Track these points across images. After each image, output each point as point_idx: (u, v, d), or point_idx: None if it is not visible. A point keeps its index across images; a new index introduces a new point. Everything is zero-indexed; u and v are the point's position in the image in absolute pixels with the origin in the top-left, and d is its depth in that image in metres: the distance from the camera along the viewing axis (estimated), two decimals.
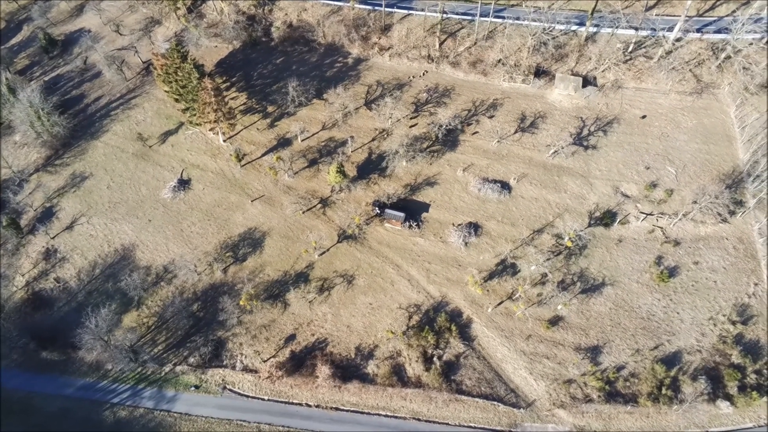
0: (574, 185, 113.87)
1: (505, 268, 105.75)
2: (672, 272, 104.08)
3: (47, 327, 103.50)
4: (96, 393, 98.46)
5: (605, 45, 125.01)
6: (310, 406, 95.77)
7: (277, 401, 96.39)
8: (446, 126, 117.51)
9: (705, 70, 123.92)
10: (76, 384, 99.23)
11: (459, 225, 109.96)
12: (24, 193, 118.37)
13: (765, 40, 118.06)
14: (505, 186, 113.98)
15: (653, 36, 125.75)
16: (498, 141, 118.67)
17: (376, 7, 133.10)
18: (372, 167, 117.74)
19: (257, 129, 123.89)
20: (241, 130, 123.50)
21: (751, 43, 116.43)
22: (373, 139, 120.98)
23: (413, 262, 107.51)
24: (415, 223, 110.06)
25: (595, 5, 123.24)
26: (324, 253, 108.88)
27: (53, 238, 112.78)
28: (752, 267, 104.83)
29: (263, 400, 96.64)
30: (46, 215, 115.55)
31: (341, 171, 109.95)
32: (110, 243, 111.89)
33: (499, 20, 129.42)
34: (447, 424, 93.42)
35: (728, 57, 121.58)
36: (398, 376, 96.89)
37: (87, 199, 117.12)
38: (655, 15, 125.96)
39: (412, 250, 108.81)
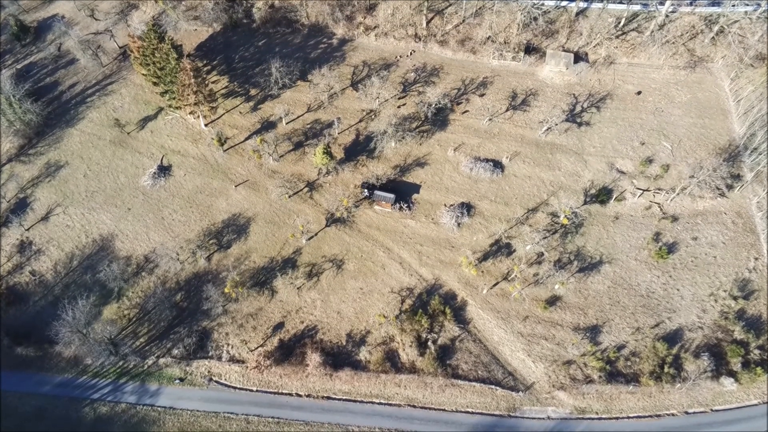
0: (568, 162, 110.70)
1: (500, 249, 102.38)
2: (670, 248, 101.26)
3: (22, 322, 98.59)
4: (75, 390, 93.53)
5: (596, 20, 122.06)
6: (300, 395, 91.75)
7: (266, 392, 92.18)
8: (435, 105, 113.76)
9: (698, 44, 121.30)
10: (53, 381, 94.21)
11: (451, 206, 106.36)
12: None
13: (759, 11, 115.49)
14: (497, 165, 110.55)
15: (645, 10, 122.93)
16: (489, 119, 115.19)
17: None
18: (360, 149, 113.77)
19: (240, 113, 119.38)
20: (223, 114, 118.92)
21: (746, 13, 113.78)
22: (361, 120, 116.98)
23: (404, 245, 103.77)
24: (405, 205, 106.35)
25: None
26: (312, 237, 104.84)
27: (28, 230, 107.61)
28: (752, 241, 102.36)
29: (251, 391, 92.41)
30: (20, 206, 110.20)
31: (328, 152, 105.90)
32: (88, 233, 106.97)
33: None
34: (443, 410, 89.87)
35: (722, 30, 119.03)
36: (391, 362, 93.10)
37: (63, 189, 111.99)
38: None
39: (403, 233, 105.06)
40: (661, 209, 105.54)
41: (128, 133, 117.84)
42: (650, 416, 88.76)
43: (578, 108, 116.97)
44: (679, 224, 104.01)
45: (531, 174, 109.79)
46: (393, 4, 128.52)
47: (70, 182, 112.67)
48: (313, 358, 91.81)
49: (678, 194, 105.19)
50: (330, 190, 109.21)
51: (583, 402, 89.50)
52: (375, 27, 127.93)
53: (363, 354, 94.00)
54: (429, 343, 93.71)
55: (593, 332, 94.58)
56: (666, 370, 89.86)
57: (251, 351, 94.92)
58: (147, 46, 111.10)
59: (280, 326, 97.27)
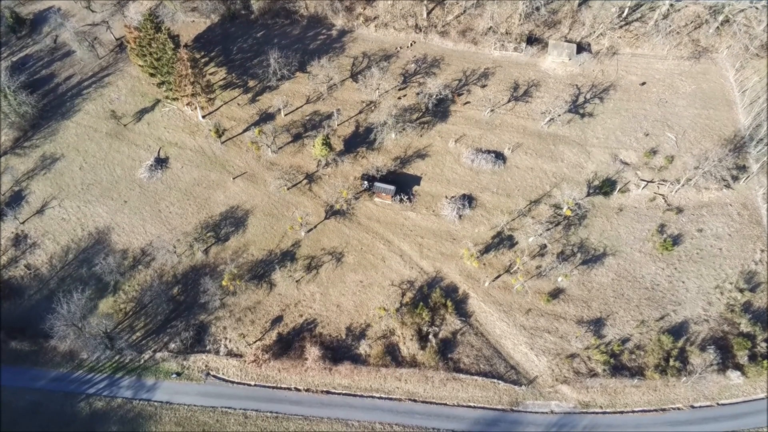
0: (571, 154, 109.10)
1: (502, 241, 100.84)
2: (675, 240, 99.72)
3: (17, 316, 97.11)
4: (70, 384, 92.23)
5: (599, 10, 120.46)
6: (299, 390, 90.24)
7: (265, 386, 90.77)
8: (436, 96, 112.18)
9: (703, 34, 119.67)
10: (48, 376, 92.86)
11: (452, 197, 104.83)
12: None
13: (765, 0, 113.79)
14: (499, 156, 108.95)
15: None
16: (490, 110, 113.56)
17: None
18: (360, 140, 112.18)
19: (238, 104, 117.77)
20: (221, 105, 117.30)
21: (752, 2, 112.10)
22: (360, 112, 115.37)
23: (405, 237, 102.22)
24: (406, 197, 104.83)
25: None
26: (311, 230, 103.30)
27: (23, 223, 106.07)
28: (758, 233, 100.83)
29: (249, 385, 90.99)
30: (15, 199, 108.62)
31: (327, 143, 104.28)
32: (84, 226, 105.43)
33: None
34: (445, 404, 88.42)
35: (726, 19, 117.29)
36: (392, 356, 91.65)
37: (58, 182, 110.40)
38: None
39: (404, 225, 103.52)
40: (665, 201, 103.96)
41: (125, 125, 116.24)
42: (655, 410, 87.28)
43: (581, 99, 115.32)
44: (684, 216, 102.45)
45: (533, 165, 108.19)
46: None
47: (66, 175, 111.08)
48: (312, 351, 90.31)
49: (683, 185, 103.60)
50: (329, 182, 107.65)
51: (587, 396, 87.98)
52: (375, 18, 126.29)
53: (363, 348, 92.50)
54: (430, 336, 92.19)
55: (597, 325, 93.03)
56: (671, 363, 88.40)
57: (249, 345, 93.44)
58: (143, 36, 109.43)
59: (278, 320, 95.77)
